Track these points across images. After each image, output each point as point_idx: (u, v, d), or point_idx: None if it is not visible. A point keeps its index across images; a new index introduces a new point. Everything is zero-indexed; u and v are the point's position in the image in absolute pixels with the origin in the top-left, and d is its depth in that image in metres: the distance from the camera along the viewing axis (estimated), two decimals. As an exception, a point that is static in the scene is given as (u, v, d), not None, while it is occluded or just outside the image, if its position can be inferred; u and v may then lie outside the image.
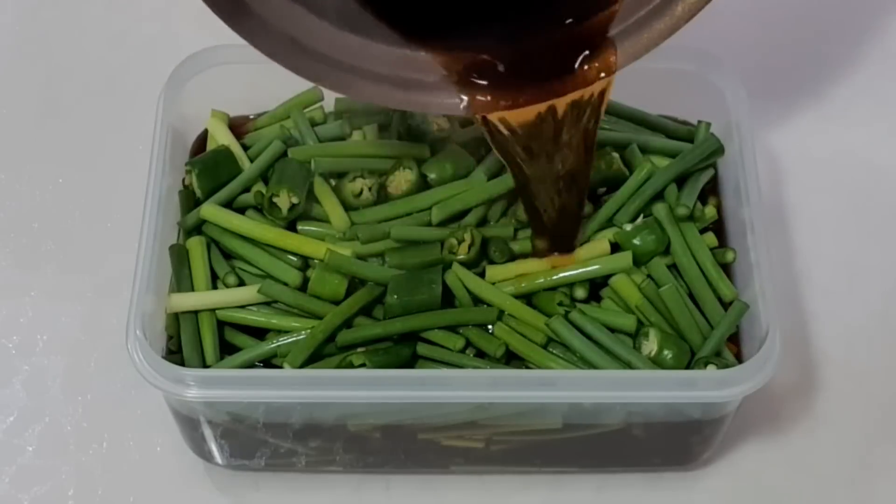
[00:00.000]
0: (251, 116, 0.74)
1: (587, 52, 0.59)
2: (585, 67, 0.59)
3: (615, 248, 0.68)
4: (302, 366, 0.64)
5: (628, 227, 0.68)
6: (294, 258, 0.68)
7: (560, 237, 0.67)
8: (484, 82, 0.59)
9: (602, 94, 0.61)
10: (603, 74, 0.59)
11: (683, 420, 0.66)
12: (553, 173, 0.63)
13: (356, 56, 0.59)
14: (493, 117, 0.61)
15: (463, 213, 0.69)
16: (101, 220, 0.79)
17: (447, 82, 0.60)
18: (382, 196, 0.70)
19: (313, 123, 0.73)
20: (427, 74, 0.60)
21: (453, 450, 0.68)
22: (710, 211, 0.69)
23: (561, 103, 0.60)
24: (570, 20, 0.59)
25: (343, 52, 0.59)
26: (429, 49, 0.59)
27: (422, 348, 0.65)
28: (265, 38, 0.58)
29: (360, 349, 0.64)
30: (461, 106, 0.60)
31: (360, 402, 0.63)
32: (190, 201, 0.70)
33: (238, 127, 0.73)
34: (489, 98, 0.59)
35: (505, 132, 0.62)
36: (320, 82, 0.61)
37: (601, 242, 0.68)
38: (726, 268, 0.68)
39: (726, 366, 0.63)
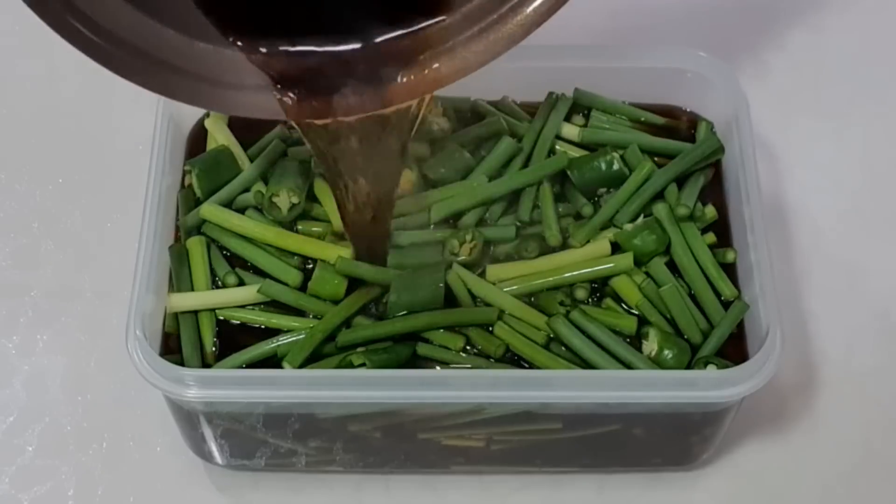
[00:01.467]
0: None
1: (413, 64, 0.57)
2: (408, 79, 0.57)
3: (615, 248, 0.68)
4: (302, 366, 0.64)
5: (628, 227, 0.68)
6: (294, 258, 0.68)
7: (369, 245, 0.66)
8: (302, 89, 0.57)
9: (420, 105, 0.60)
10: (428, 87, 0.57)
11: (683, 420, 0.66)
12: (363, 175, 0.63)
13: (176, 54, 0.57)
14: (306, 123, 0.60)
15: (463, 213, 0.69)
16: (101, 220, 0.79)
17: (265, 85, 0.58)
18: (382, 196, 0.70)
19: (313, 123, 0.73)
20: (244, 76, 0.57)
21: (453, 450, 0.68)
22: (710, 211, 0.69)
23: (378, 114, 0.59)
24: (397, 31, 0.57)
25: (162, 49, 0.57)
26: (248, 50, 0.57)
27: (422, 348, 0.65)
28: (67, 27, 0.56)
29: (360, 349, 0.64)
30: (277, 110, 0.58)
31: (360, 402, 0.63)
32: (190, 201, 0.70)
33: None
34: (305, 104, 0.58)
35: (319, 140, 0.61)
36: (136, 80, 0.57)
37: (601, 242, 0.68)
38: (727, 267, 0.68)
39: (726, 366, 0.63)
